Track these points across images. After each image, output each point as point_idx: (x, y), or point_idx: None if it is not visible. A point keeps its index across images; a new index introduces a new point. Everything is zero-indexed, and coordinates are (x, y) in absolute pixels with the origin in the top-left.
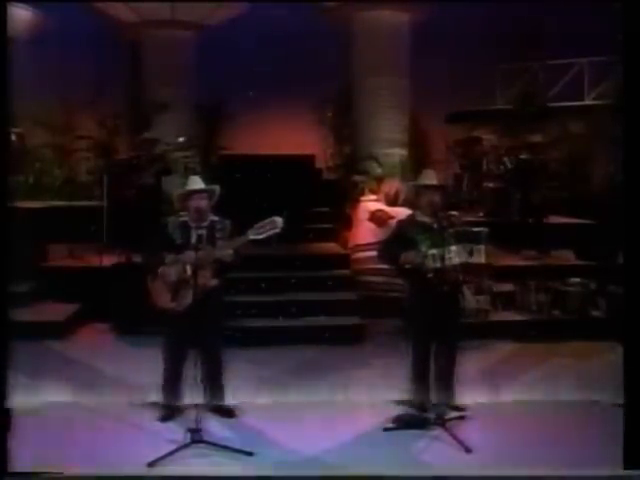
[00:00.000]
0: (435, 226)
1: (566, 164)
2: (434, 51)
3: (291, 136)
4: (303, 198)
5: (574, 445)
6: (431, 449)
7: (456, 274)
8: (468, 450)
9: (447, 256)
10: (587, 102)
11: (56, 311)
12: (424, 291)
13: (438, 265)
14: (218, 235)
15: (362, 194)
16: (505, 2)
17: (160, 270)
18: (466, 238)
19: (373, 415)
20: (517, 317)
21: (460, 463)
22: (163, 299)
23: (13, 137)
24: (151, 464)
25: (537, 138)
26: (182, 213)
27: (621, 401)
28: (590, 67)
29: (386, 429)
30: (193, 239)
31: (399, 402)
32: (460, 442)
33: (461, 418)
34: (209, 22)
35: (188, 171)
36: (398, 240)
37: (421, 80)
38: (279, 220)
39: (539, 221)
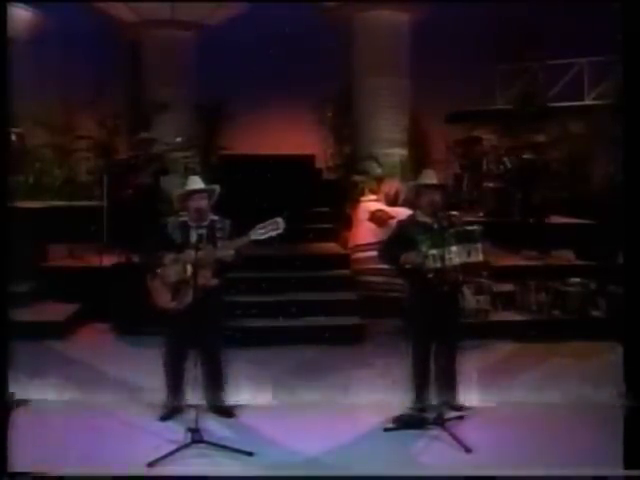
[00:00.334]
0: (435, 226)
1: (566, 164)
2: (434, 51)
3: (291, 136)
4: (303, 198)
5: (574, 445)
6: (431, 449)
7: (456, 274)
8: (468, 450)
9: (447, 256)
10: (587, 102)
11: (56, 311)
12: (424, 291)
13: (438, 265)
14: (218, 235)
15: (362, 194)
16: (505, 2)
17: (160, 270)
18: (464, 238)
19: (373, 415)
20: (517, 317)
21: (460, 463)
22: (163, 299)
23: (13, 137)
24: (151, 464)
25: (537, 138)
26: (182, 213)
27: (621, 402)
28: (590, 67)
29: (386, 429)
30: (193, 239)
31: (399, 402)
32: (460, 442)
33: (461, 418)
34: (209, 22)
35: (188, 171)
36: (398, 240)
37: (421, 80)
38: (281, 221)
39: (539, 221)
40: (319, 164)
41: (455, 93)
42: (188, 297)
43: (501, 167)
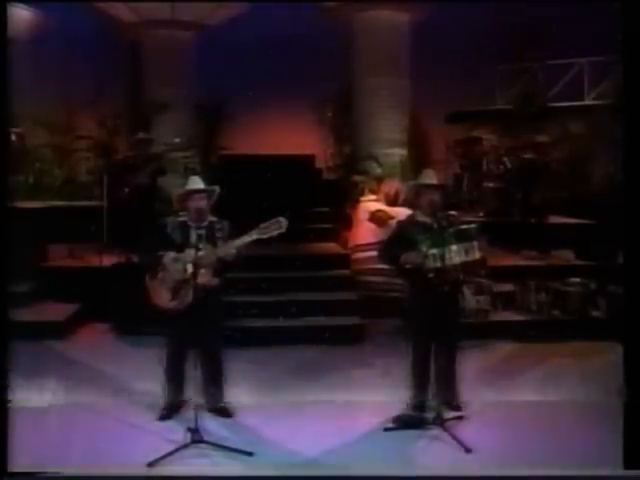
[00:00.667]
0: (435, 226)
1: (566, 164)
2: (434, 51)
3: (291, 136)
4: (303, 198)
5: (574, 445)
6: (431, 449)
7: (456, 274)
8: (468, 450)
9: (447, 256)
10: (587, 102)
11: (56, 311)
12: (424, 291)
13: (438, 265)
14: (218, 235)
15: (362, 194)
16: (505, 2)
17: (160, 270)
18: (463, 237)
19: (373, 415)
20: (517, 317)
21: (460, 463)
22: (163, 299)
23: (13, 137)
24: (151, 464)
25: (537, 138)
26: (181, 213)
27: (621, 402)
28: (590, 67)
29: (386, 429)
30: (193, 239)
31: (399, 402)
32: (460, 442)
33: (461, 418)
34: (209, 22)
35: (188, 171)
36: (398, 241)
37: (421, 80)
38: (284, 220)
39: (539, 221)
40: (319, 164)
41: (455, 93)
42: (188, 297)
43: (501, 167)
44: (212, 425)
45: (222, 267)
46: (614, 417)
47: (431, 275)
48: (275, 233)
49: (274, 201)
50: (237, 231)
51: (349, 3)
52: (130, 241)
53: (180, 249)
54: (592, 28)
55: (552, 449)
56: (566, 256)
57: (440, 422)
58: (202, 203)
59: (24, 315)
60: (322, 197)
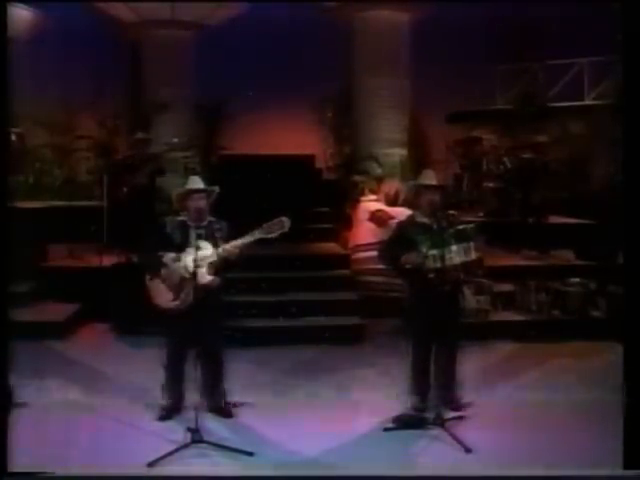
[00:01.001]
0: (435, 226)
1: (566, 164)
2: (434, 51)
3: (291, 136)
4: (303, 198)
5: (574, 445)
6: (431, 449)
7: (456, 274)
8: (468, 450)
9: (447, 256)
10: (587, 102)
11: (56, 311)
12: (424, 291)
13: (438, 265)
14: (217, 235)
15: (362, 194)
16: (505, 2)
17: (162, 270)
18: (462, 237)
19: (373, 415)
20: (517, 317)
21: (460, 463)
22: (164, 299)
23: (13, 137)
24: (151, 464)
25: (537, 138)
26: (181, 213)
27: (621, 402)
28: (590, 67)
29: (386, 429)
30: (192, 239)
31: (399, 402)
32: (460, 442)
33: (461, 418)
34: (209, 22)
35: (188, 171)
36: (398, 241)
37: (421, 80)
38: (287, 220)
39: (539, 221)
40: (319, 164)
41: (455, 93)
42: (189, 297)
43: (501, 167)
44: (212, 425)
45: (223, 267)
46: (614, 417)
47: (431, 275)
48: (278, 233)
49: (274, 201)
50: (237, 231)
51: (349, 3)
52: (130, 241)
53: (180, 249)
54: (592, 28)
55: (552, 449)
56: (566, 256)
57: (440, 422)
58: (202, 203)
59: (24, 315)
60: (322, 197)
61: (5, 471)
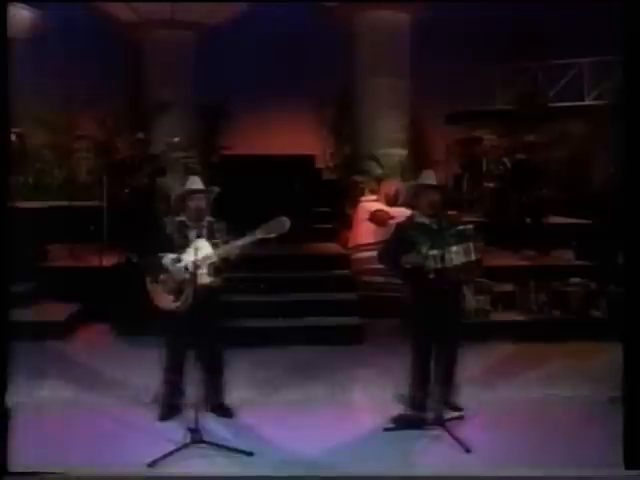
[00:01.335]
0: (435, 227)
1: (566, 164)
2: (434, 51)
3: (291, 136)
4: (303, 198)
5: (574, 445)
6: (431, 449)
7: (456, 275)
8: (468, 450)
9: (447, 257)
10: (587, 102)
11: (56, 311)
12: (424, 291)
13: (439, 266)
14: (217, 235)
15: (362, 194)
16: (505, 2)
17: (162, 272)
18: (461, 237)
19: (373, 415)
20: (517, 317)
21: (460, 463)
22: (165, 300)
23: (13, 137)
24: (151, 464)
25: (537, 138)
26: (180, 213)
27: (621, 402)
28: (590, 67)
29: (386, 429)
30: (192, 239)
31: (399, 402)
32: (460, 442)
33: (460, 418)
34: (209, 22)
35: (188, 171)
36: (398, 242)
37: (421, 80)
38: (287, 220)
39: (539, 221)
40: (319, 164)
41: (455, 93)
42: (189, 298)
43: (501, 167)
44: (212, 425)
45: (223, 267)
46: (614, 417)
47: (431, 276)
48: (278, 232)
49: (274, 201)
50: (237, 231)
51: (349, 3)
52: (130, 241)
53: (179, 250)
54: (592, 28)
55: (552, 449)
56: (566, 256)
57: (440, 422)
58: (201, 203)
59: (24, 315)
60: (322, 197)
61: (5, 471)
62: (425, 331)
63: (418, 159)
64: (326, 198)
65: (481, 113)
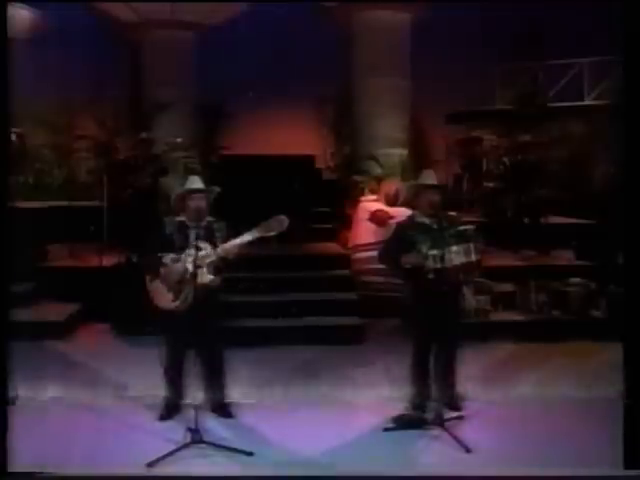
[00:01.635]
0: (435, 226)
1: (566, 164)
2: (434, 51)
3: (291, 136)
4: (303, 198)
5: (574, 445)
6: (431, 449)
7: (456, 274)
8: (468, 450)
9: (447, 257)
10: (587, 102)
11: (56, 311)
12: (424, 291)
13: (439, 266)
14: (217, 235)
15: (362, 194)
16: (505, 2)
17: (162, 271)
18: (462, 238)
19: (373, 415)
20: (517, 317)
21: (460, 463)
22: (165, 299)
23: (13, 137)
24: (151, 464)
25: (537, 138)
26: (180, 213)
27: (621, 402)
28: (590, 67)
29: (386, 429)
30: (192, 239)
31: (399, 402)
32: (460, 442)
33: (460, 418)
34: (209, 22)
35: (188, 171)
36: (398, 242)
37: (421, 80)
38: (285, 219)
39: (539, 221)
40: (319, 164)
41: (455, 93)
42: (189, 297)
43: (501, 167)
44: (212, 425)
45: (223, 266)
46: (614, 417)
47: (431, 276)
48: (277, 231)
49: (274, 201)
50: (237, 231)
51: (349, 3)
52: (132, 241)
53: (179, 249)
54: (592, 28)
55: (552, 449)
56: (566, 256)
57: (440, 422)
58: (202, 203)
59: (24, 315)
60: (322, 197)
61: (5, 471)
62: (425, 331)
63: (418, 159)
64: (326, 198)
65: (481, 113)
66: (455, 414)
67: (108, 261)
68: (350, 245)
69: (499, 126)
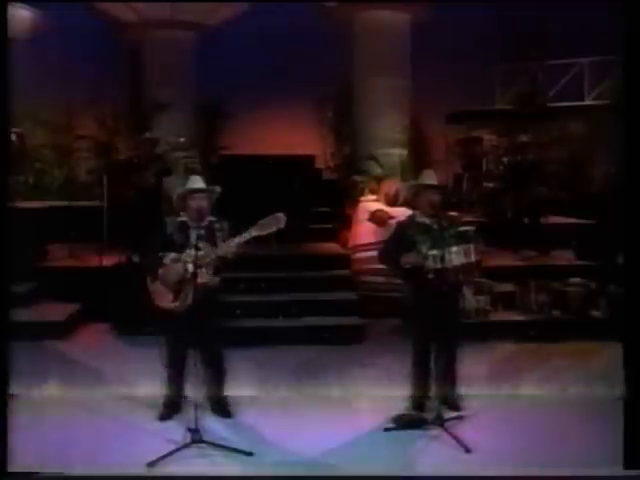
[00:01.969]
0: (435, 227)
1: (566, 164)
2: (434, 51)
3: (291, 136)
4: (303, 198)
5: (574, 445)
6: (431, 449)
7: (456, 275)
8: (468, 450)
9: (447, 257)
10: (587, 102)
11: (56, 311)
12: (424, 291)
13: (438, 266)
14: (218, 235)
15: (362, 194)
16: (505, 2)
17: (161, 270)
18: (462, 238)
19: (373, 415)
20: (517, 317)
21: (460, 463)
22: (165, 299)
23: (13, 137)
24: (151, 464)
25: (537, 138)
26: (181, 213)
27: (621, 402)
28: (590, 67)
29: (386, 429)
30: (192, 239)
31: (399, 402)
32: (460, 442)
33: (461, 418)
34: (209, 22)
35: (188, 171)
36: (398, 241)
37: (421, 80)
38: (282, 216)
39: (538, 221)
40: (319, 164)
41: (455, 93)
42: (189, 297)
43: (501, 167)
44: (212, 425)
45: (222, 266)
46: (614, 417)
47: (431, 276)
48: (274, 229)
49: (274, 201)
50: (238, 231)
51: (349, 3)
52: (132, 241)
53: (180, 249)
54: (592, 28)
55: (552, 449)
56: (566, 256)
57: (440, 422)
58: (203, 203)
59: (24, 315)
60: (322, 197)
61: (5, 471)
62: (425, 331)
63: (418, 159)
64: (326, 198)
65: (481, 113)
66: (455, 414)
67: (108, 261)
68: (350, 245)
69: (499, 126)
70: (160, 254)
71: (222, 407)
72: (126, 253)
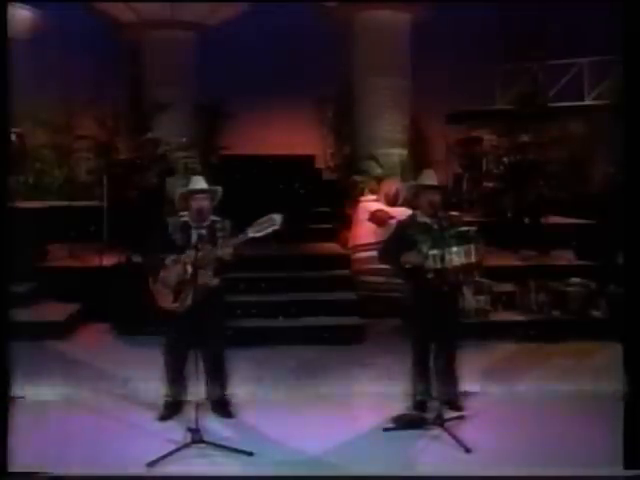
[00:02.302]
0: (435, 226)
1: (566, 164)
2: (434, 51)
3: (291, 136)
4: (303, 198)
5: (574, 445)
6: (431, 449)
7: (456, 275)
8: (468, 450)
9: (447, 257)
10: (587, 102)
11: (56, 311)
12: (424, 291)
13: (439, 266)
14: (219, 235)
15: (362, 194)
16: (505, 2)
17: (162, 271)
18: (462, 238)
19: (373, 415)
20: (517, 317)
21: (460, 463)
22: (165, 300)
23: (13, 137)
24: (151, 464)
25: (537, 138)
26: (182, 213)
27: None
28: (590, 67)
29: (386, 429)
30: (193, 239)
31: (399, 402)
32: (460, 442)
33: (461, 418)
34: (209, 22)
35: (189, 171)
36: (398, 241)
37: (421, 80)
38: (278, 217)
39: (538, 221)
40: (319, 164)
41: (455, 93)
42: (189, 298)
43: (501, 167)
44: (212, 425)
45: (221, 267)
46: (614, 417)
47: (431, 276)
48: (270, 230)
49: (274, 201)
50: (240, 230)
51: (349, 3)
52: (135, 241)
53: (181, 250)
54: (592, 28)
55: (552, 449)
56: (566, 256)
57: (440, 422)
58: (204, 203)
59: (24, 315)
60: (322, 197)
61: (5, 471)
62: (425, 331)
63: (418, 159)
64: (326, 198)
65: (481, 113)
66: (455, 414)
67: (108, 261)
68: (350, 245)
69: (499, 126)
70: (162, 255)
71: (222, 407)
72: (126, 253)
